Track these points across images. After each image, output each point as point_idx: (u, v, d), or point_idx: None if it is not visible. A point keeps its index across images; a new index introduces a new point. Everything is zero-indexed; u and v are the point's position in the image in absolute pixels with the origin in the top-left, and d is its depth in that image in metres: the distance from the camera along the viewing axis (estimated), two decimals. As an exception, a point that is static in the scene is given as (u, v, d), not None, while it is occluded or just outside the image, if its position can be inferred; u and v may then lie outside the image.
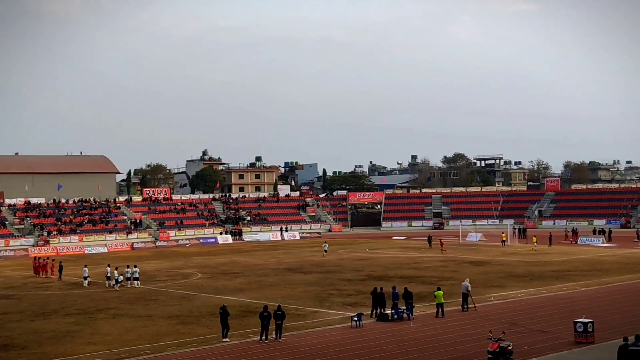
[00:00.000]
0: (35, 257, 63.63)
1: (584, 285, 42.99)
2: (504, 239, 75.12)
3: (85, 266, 52.04)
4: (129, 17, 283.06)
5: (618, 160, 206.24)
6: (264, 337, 29.20)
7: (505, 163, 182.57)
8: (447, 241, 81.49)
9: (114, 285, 47.29)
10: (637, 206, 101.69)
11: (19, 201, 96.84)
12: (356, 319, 31.88)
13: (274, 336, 29.33)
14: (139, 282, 47.75)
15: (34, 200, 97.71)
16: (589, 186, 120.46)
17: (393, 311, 33.10)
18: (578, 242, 74.86)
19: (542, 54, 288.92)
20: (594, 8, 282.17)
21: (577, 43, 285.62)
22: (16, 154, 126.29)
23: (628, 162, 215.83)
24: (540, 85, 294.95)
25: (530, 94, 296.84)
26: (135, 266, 49.17)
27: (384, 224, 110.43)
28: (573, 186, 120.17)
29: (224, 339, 29.55)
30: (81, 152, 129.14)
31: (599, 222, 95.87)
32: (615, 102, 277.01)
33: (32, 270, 58.39)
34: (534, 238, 69.33)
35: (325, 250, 68.79)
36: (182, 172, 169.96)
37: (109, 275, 48.28)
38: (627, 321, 30.39)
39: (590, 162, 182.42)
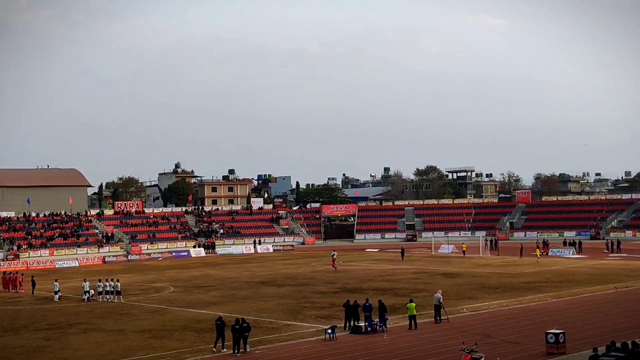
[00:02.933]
0: (4, 272, 62.77)
1: (555, 296, 43.39)
2: (464, 249, 77.47)
3: (56, 280, 51.43)
4: (100, 29, 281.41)
5: (587, 173, 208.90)
6: (235, 350, 29.13)
7: (477, 175, 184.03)
8: (419, 253, 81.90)
9: (89, 298, 47.25)
10: (607, 218, 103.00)
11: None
12: (330, 331, 31.87)
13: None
14: (112, 296, 47.28)
15: (3, 214, 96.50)
16: (559, 198, 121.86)
17: (366, 323, 33.14)
18: (549, 254, 75.57)
19: (511, 68, 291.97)
20: (562, 20, 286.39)
21: (545, 57, 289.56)
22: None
23: (597, 174, 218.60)
24: (510, 98, 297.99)
25: (500, 106, 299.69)
26: (117, 280, 49.06)
27: (357, 236, 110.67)
28: (544, 198, 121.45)
29: (222, 350, 29.63)
30: (48, 166, 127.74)
31: (569, 234, 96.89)
32: (586, 114, 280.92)
33: (1, 285, 57.58)
34: (538, 250, 70.19)
35: (334, 258, 69.73)
36: (155, 185, 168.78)
37: (100, 289, 47.89)
38: (598, 332, 30.74)
39: (560, 174, 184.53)
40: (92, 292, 47.90)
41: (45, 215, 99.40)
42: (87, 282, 48.81)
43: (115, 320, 39.24)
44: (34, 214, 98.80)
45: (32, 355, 30.41)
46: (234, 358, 28.63)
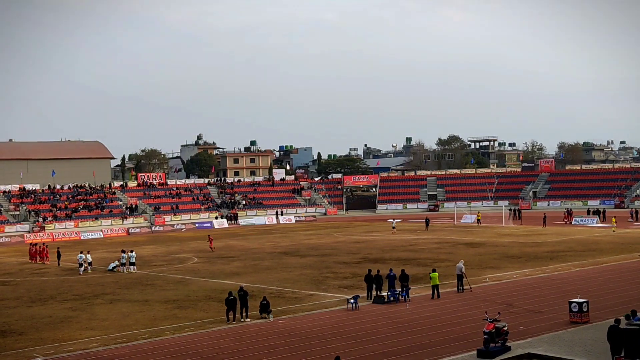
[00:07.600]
0: (31, 243, 63.63)
1: (579, 265, 43.20)
2: (479, 217, 78.66)
3: (88, 252, 51.48)
4: (122, 2, 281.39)
5: (612, 141, 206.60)
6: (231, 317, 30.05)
7: (500, 144, 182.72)
8: (442, 223, 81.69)
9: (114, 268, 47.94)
10: (631, 186, 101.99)
11: (14, 188, 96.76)
12: (352, 301, 32.01)
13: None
14: (135, 267, 47.83)
15: (28, 187, 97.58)
16: (583, 167, 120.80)
17: (389, 293, 33.23)
18: (572, 223, 75.16)
19: (534, 36, 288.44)
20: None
21: (569, 25, 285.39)
22: (10, 140, 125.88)
23: (622, 142, 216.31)
24: (533, 66, 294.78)
25: (523, 75, 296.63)
26: (131, 251, 49.19)
27: (379, 206, 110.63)
28: (567, 167, 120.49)
29: (246, 320, 29.92)
30: (69, 139, 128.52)
31: (593, 203, 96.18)
32: (608, 83, 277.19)
33: (28, 256, 58.39)
34: (614, 219, 69.88)
35: (394, 227, 73.19)
36: (177, 157, 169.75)
37: (123, 261, 48.33)
38: (622, 301, 30.54)
39: (584, 142, 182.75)
40: (116, 262, 48.57)
41: (69, 188, 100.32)
42: (83, 255, 49.20)
43: (140, 290, 39.69)
44: (58, 187, 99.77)
45: (59, 325, 30.88)
46: (257, 327, 28.81)
